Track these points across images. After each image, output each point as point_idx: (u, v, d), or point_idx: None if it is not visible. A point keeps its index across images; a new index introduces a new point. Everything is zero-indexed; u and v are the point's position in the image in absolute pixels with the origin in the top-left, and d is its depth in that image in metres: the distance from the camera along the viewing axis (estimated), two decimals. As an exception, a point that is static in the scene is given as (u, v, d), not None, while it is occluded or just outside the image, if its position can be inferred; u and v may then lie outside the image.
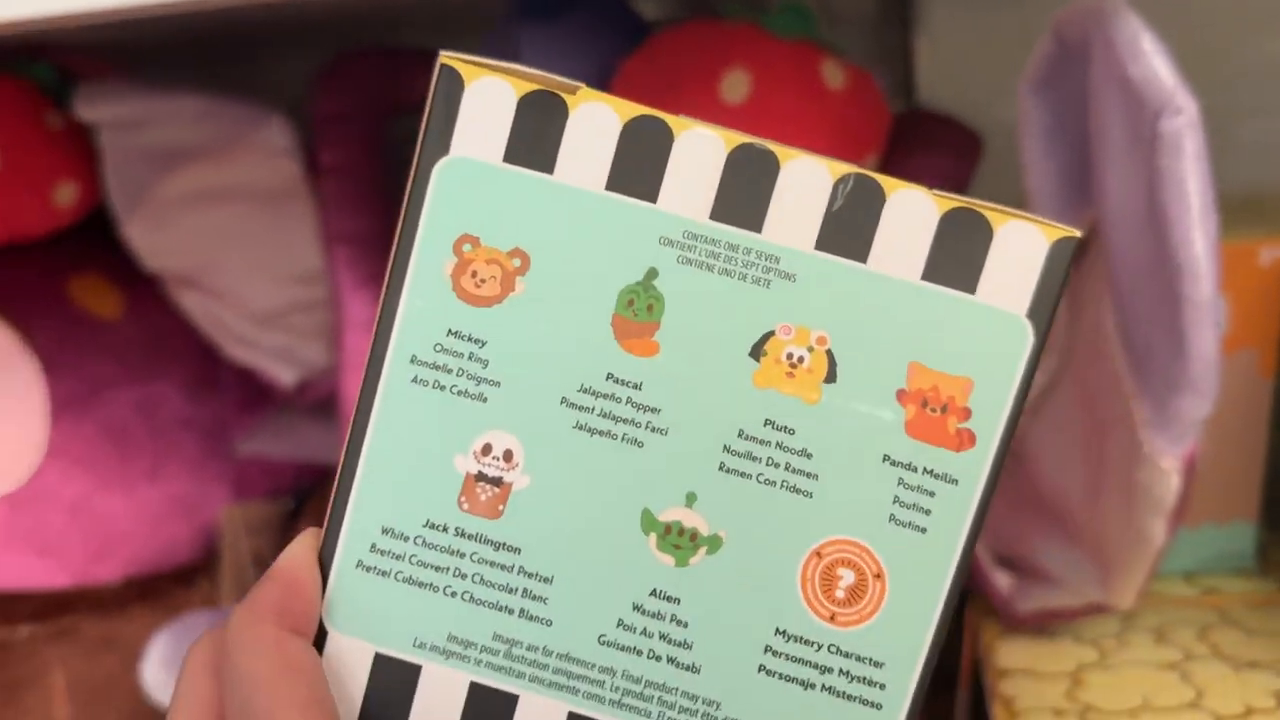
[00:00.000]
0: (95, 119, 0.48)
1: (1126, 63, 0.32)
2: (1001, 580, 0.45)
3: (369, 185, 0.48)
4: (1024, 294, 0.25)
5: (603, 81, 0.45)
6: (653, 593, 0.25)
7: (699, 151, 0.25)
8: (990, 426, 0.25)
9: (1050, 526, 0.42)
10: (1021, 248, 0.25)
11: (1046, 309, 0.25)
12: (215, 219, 0.49)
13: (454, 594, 0.25)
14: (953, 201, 0.25)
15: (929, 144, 0.44)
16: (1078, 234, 0.25)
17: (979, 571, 0.45)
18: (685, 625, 0.25)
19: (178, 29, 0.51)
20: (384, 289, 0.25)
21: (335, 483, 0.25)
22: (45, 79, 0.52)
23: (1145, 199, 0.33)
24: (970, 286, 0.25)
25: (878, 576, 0.25)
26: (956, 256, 0.25)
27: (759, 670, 0.25)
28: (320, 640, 0.25)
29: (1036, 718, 0.40)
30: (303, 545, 0.26)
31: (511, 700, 0.25)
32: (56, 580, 0.49)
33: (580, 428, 0.25)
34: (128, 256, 0.51)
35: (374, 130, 0.49)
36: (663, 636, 0.25)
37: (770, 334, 0.25)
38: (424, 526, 0.25)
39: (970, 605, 0.47)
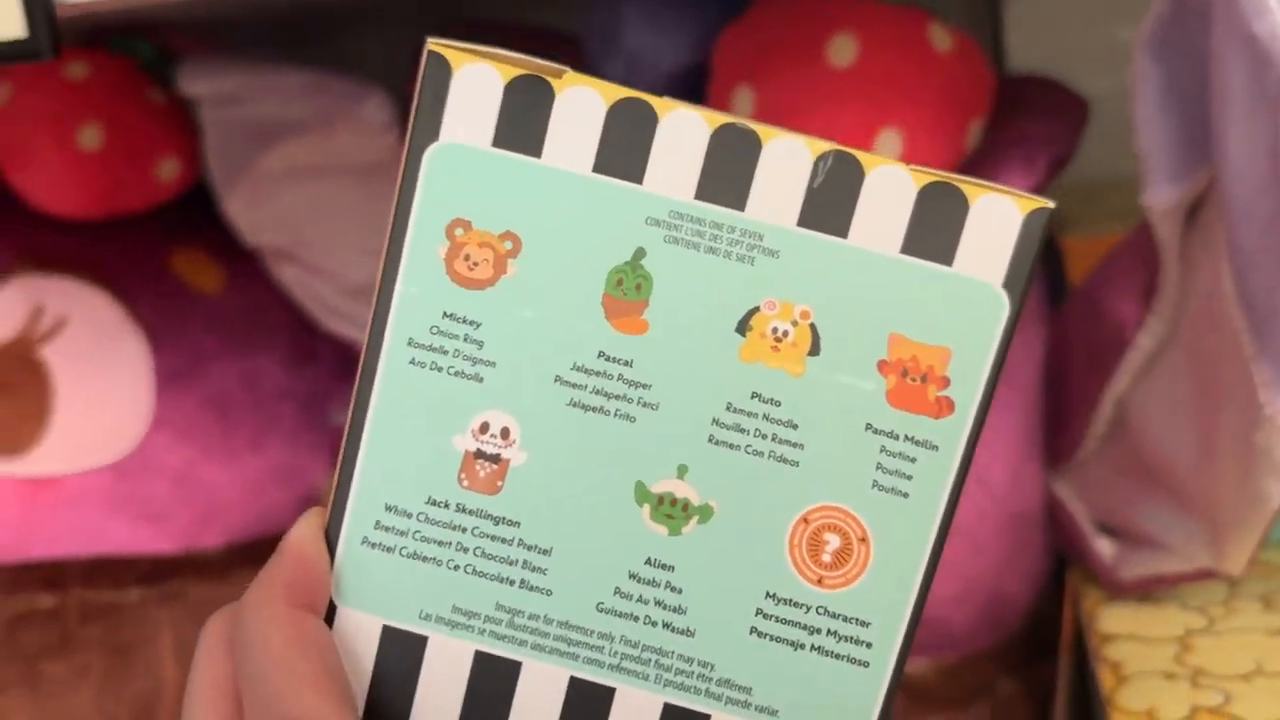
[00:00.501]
0: (197, 94, 0.49)
1: (1251, 19, 0.32)
2: (1104, 548, 0.45)
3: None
4: (999, 264, 0.25)
5: (706, 50, 0.45)
6: (647, 561, 0.26)
7: (683, 132, 0.25)
8: (969, 393, 0.26)
9: (1157, 492, 0.42)
10: (997, 219, 0.25)
11: (1022, 278, 0.25)
12: (314, 194, 0.50)
13: (457, 567, 0.26)
14: (929, 176, 0.25)
15: (1035, 108, 0.44)
16: (1050, 205, 0.25)
17: (1080, 540, 0.45)
18: (679, 591, 0.26)
19: (274, 6, 0.52)
20: (379, 274, 0.26)
21: (339, 463, 0.26)
22: (145, 56, 0.53)
23: (1269, 157, 0.33)
24: (948, 258, 0.25)
25: (862, 540, 0.26)
26: (934, 229, 0.25)
27: (751, 633, 0.26)
28: (329, 615, 0.26)
29: (1146, 680, 0.40)
30: (309, 524, 0.26)
31: (515, 667, 0.26)
32: (163, 546, 0.50)
33: (574, 405, 0.26)
34: (227, 231, 0.52)
35: (470, 103, 0.50)
36: (658, 603, 0.26)
37: (755, 309, 0.26)
38: (426, 503, 0.26)
39: (1070, 573, 0.47)
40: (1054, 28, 0.58)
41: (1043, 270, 0.48)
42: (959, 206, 0.25)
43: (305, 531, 0.26)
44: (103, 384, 0.50)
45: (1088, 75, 0.55)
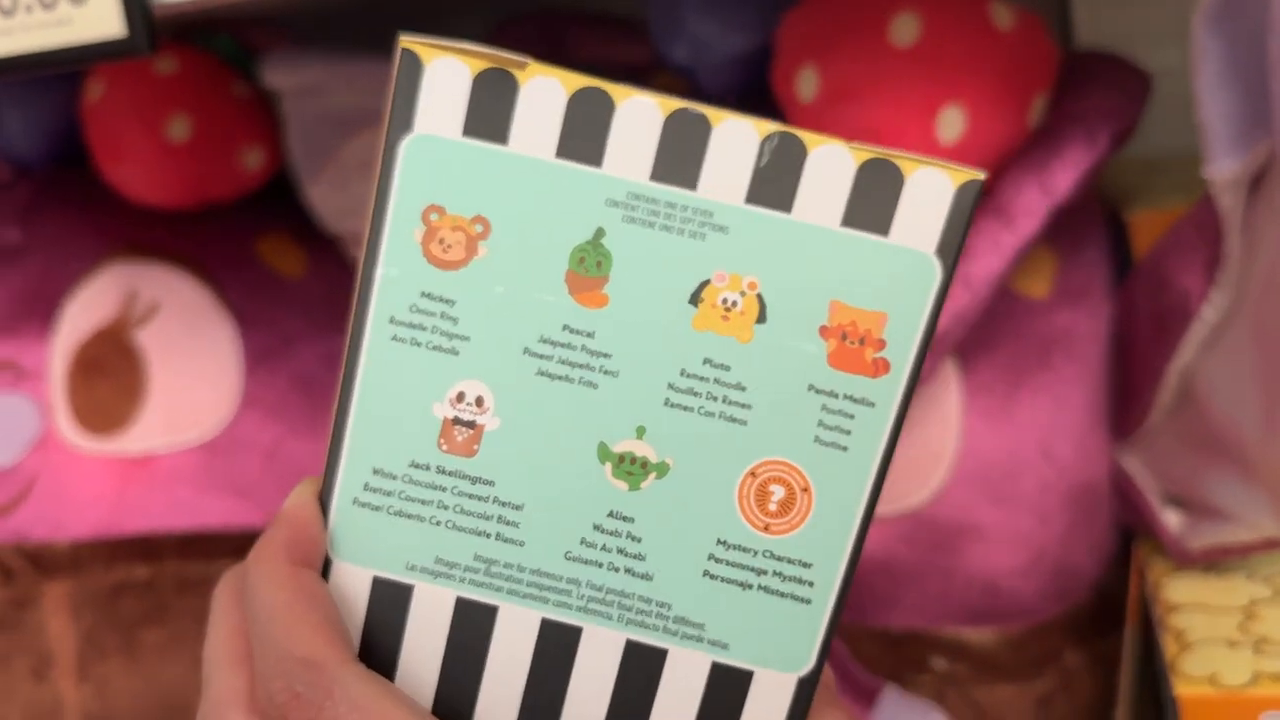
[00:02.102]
0: (280, 86, 0.51)
1: (1310, -9, 0.32)
2: (1171, 519, 0.45)
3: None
4: (933, 233, 0.27)
5: (769, 32, 0.46)
6: (610, 514, 0.28)
7: (638, 117, 0.27)
8: (903, 354, 0.28)
9: (1224, 463, 0.43)
10: (930, 191, 0.27)
11: (954, 246, 0.27)
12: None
13: (438, 523, 0.29)
14: (868, 152, 0.27)
15: (1098, 83, 0.45)
16: (982, 176, 0.27)
17: (1147, 511, 0.46)
18: (639, 540, 0.28)
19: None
20: (361, 257, 0.28)
21: (330, 431, 0.29)
22: (228, 50, 0.55)
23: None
24: (884, 229, 0.27)
25: (805, 490, 0.28)
26: (872, 202, 0.27)
27: (704, 575, 0.29)
28: (325, 569, 0.29)
29: (1209, 648, 0.40)
30: (304, 491, 0.29)
31: (492, 611, 0.29)
32: (253, 520, 0.52)
33: (541, 374, 0.28)
34: (309, 217, 0.54)
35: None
36: (620, 551, 0.28)
37: (707, 282, 0.28)
38: (409, 466, 0.28)
39: (1137, 543, 0.47)
40: (1122, 4, 0.58)
41: (1108, 245, 0.49)
42: (895, 180, 0.27)
43: (300, 497, 0.29)
44: (194, 365, 0.52)
45: (1154, 50, 0.55)
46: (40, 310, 0.52)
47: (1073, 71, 0.46)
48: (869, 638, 0.47)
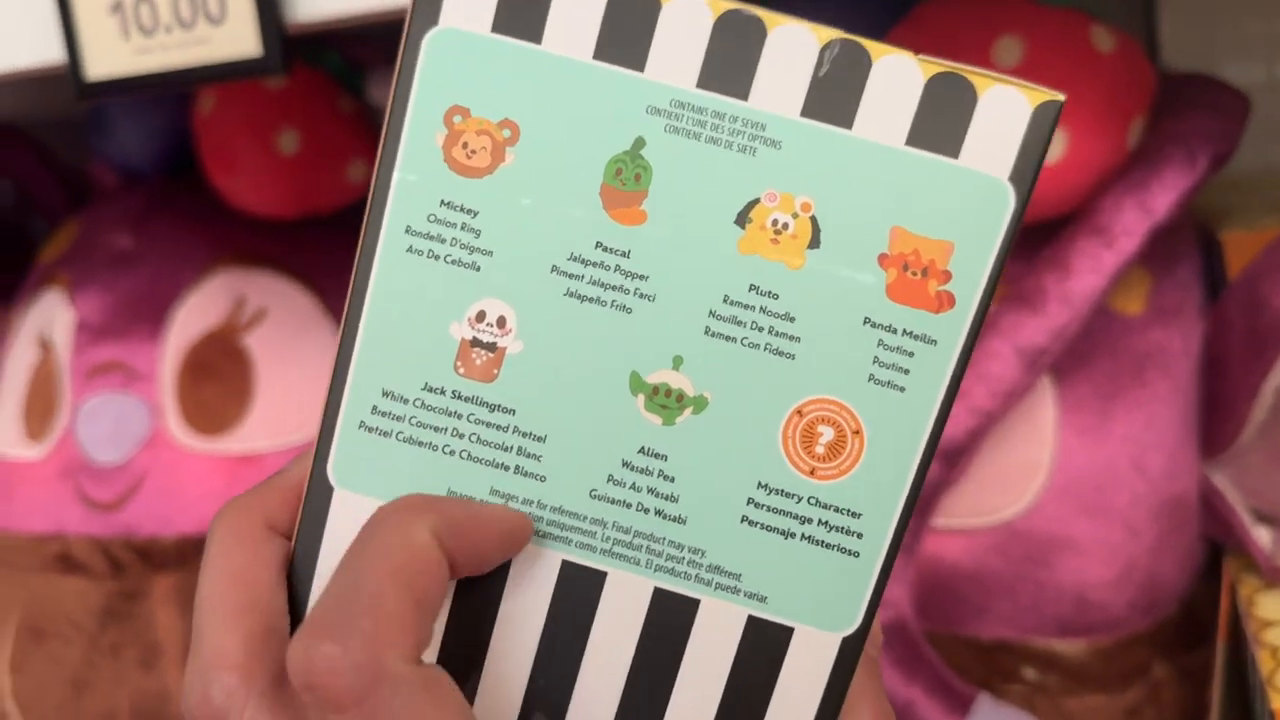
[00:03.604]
0: (385, 101, 0.53)
1: None
2: (1262, 536, 0.45)
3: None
4: (1007, 158, 0.25)
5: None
6: (641, 450, 0.26)
7: (686, 18, 0.25)
8: (970, 288, 0.25)
9: (1319, 480, 0.43)
10: (1005, 112, 0.25)
11: (1029, 172, 0.25)
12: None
13: (452, 452, 0.26)
14: (938, 66, 0.25)
15: (1196, 105, 0.45)
16: (1061, 98, 0.25)
17: (1238, 528, 0.46)
18: (672, 480, 0.26)
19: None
20: (377, 161, 0.25)
21: (337, 348, 0.26)
22: (335, 66, 0.57)
23: None
24: (954, 151, 0.25)
25: (856, 433, 0.26)
26: (941, 121, 0.25)
27: (742, 521, 0.26)
28: (326, 499, 0.26)
29: (1306, 664, 0.40)
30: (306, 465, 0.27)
31: None
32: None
33: (571, 295, 0.26)
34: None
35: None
36: (650, 490, 0.26)
37: (756, 201, 0.25)
38: (422, 389, 0.26)
39: (1227, 559, 0.48)
40: (1209, 20, 0.58)
41: (1201, 263, 0.49)
42: (967, 98, 0.25)
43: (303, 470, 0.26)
44: (299, 369, 0.54)
45: (1243, 67, 0.55)
46: (151, 314, 0.54)
47: (1171, 93, 0.46)
48: (961, 647, 0.48)
